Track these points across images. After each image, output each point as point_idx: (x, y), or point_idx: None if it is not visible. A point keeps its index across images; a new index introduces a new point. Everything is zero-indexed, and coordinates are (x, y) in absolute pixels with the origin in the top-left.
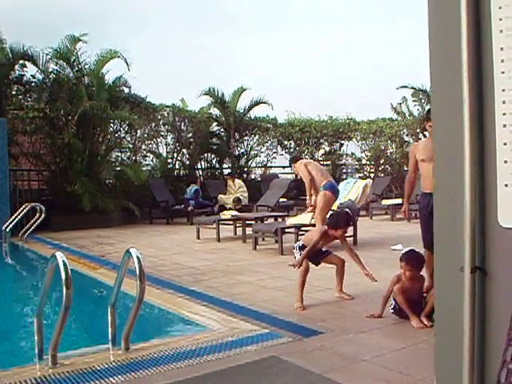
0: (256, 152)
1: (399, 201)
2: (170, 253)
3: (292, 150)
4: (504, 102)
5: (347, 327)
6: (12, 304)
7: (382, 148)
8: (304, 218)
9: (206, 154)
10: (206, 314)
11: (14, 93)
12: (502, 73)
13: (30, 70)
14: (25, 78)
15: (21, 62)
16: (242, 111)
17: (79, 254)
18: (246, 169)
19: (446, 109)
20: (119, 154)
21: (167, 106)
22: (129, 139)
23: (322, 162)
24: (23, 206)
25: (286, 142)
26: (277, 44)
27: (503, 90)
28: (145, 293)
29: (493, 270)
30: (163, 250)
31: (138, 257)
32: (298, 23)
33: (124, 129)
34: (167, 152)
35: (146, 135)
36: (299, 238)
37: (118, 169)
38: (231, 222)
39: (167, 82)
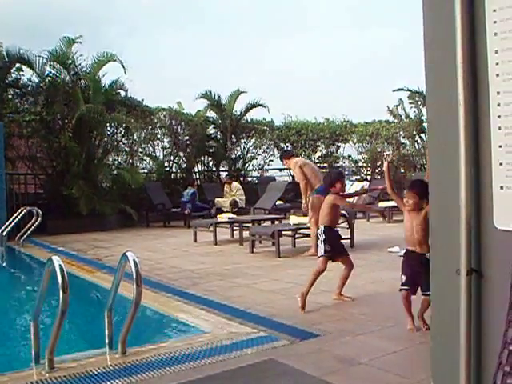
0: (253, 155)
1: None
2: (167, 256)
3: None
4: (499, 105)
5: (344, 330)
6: (8, 308)
7: (379, 150)
8: (306, 219)
9: (202, 157)
10: (203, 318)
11: (10, 96)
12: (497, 75)
13: (27, 74)
14: (21, 82)
15: (17, 65)
16: (238, 114)
17: (76, 258)
18: (242, 172)
19: (442, 112)
20: (116, 158)
21: (164, 109)
22: (125, 142)
23: (318, 165)
24: (20, 210)
25: (282, 145)
26: (274, 47)
27: (498, 93)
28: (142, 296)
29: (488, 272)
30: (160, 253)
31: (134, 260)
32: (296, 26)
33: (120, 132)
34: (164, 155)
35: (142, 138)
36: (296, 241)
37: (115, 172)
38: (228, 225)
39: (164, 85)
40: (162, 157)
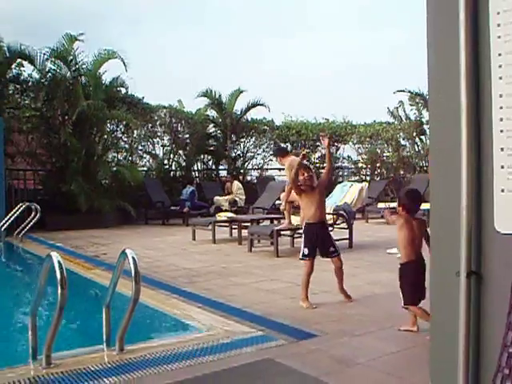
0: (252, 154)
1: (395, 204)
2: (166, 254)
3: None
4: (501, 108)
5: (342, 330)
6: (6, 303)
7: (378, 151)
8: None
9: (202, 156)
10: (200, 316)
11: (10, 92)
12: (500, 78)
13: (27, 69)
14: (22, 77)
15: (18, 60)
16: (238, 113)
17: (74, 255)
18: (242, 170)
19: (444, 114)
20: (115, 155)
21: (164, 107)
22: (125, 140)
23: (318, 165)
24: (19, 206)
25: (282, 145)
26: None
27: (501, 96)
28: (140, 294)
29: (488, 274)
30: (158, 250)
31: (133, 257)
32: (297, 26)
33: (120, 129)
34: (163, 153)
35: (142, 136)
36: (295, 241)
37: (115, 169)
38: (227, 224)
39: (164, 82)
40: (161, 155)
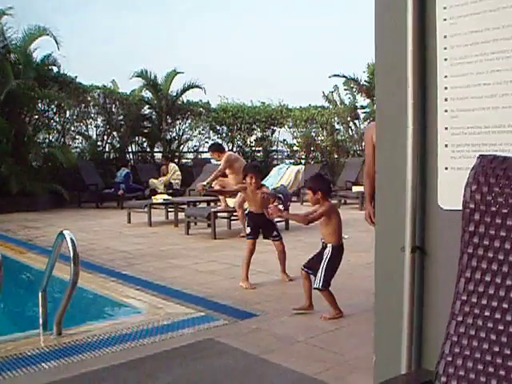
0: (188, 136)
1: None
2: (101, 237)
3: (224, 135)
4: (446, 88)
5: (282, 309)
6: None
7: (313, 135)
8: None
9: (137, 138)
10: (139, 298)
11: None
12: (445, 60)
13: None
14: None
15: None
16: (174, 95)
17: (5, 238)
18: (177, 153)
19: (390, 94)
20: (47, 136)
21: (98, 88)
22: (57, 120)
23: (253, 148)
24: None
25: (218, 127)
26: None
27: (446, 77)
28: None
29: (432, 249)
30: (93, 234)
31: (72, 239)
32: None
33: (52, 109)
34: (97, 134)
35: (75, 116)
36: (231, 223)
37: (46, 151)
38: (163, 207)
39: (98, 62)
40: (95, 136)
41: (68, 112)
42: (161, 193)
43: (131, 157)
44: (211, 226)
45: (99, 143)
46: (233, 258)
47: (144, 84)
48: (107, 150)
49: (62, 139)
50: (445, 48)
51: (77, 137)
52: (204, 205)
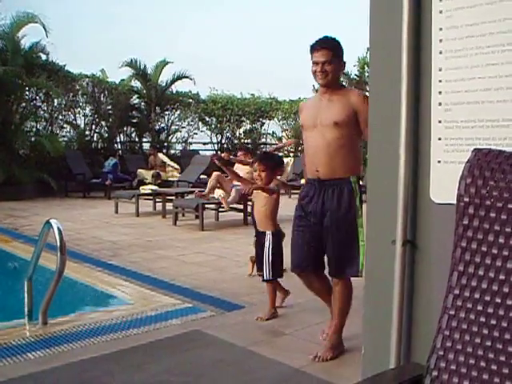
0: (177, 127)
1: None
2: (88, 227)
3: (213, 126)
4: (440, 81)
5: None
6: None
7: None
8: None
9: (125, 128)
10: (126, 289)
11: None
12: (440, 53)
13: None
14: None
15: None
16: (164, 85)
17: None
18: (166, 144)
19: (384, 86)
20: (34, 124)
21: (87, 76)
22: (45, 109)
23: (242, 140)
24: None
25: (207, 119)
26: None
27: (440, 70)
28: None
29: (423, 243)
30: (80, 223)
31: (58, 228)
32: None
33: (40, 98)
34: (85, 123)
35: (63, 105)
36: (219, 214)
37: (33, 139)
38: (151, 197)
39: (87, 51)
40: (83, 125)
41: (56, 100)
42: (149, 183)
43: (119, 147)
44: (199, 218)
45: (87, 132)
46: (220, 249)
47: (133, 74)
48: (95, 139)
49: (50, 128)
50: (440, 40)
51: (65, 126)
52: (192, 196)
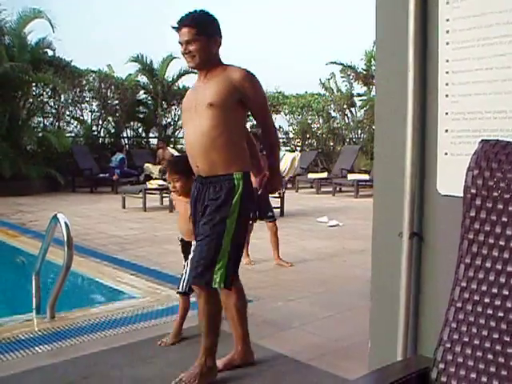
0: None
1: (325, 175)
2: (95, 222)
3: None
4: (447, 73)
5: (276, 296)
6: None
7: (309, 122)
8: None
9: (132, 123)
10: (134, 283)
11: None
12: (447, 44)
13: None
14: None
15: None
16: (170, 80)
17: None
18: (172, 139)
19: (390, 78)
20: (42, 120)
21: (93, 72)
22: (52, 104)
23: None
24: None
25: None
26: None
27: (447, 61)
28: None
29: (430, 236)
30: (87, 218)
31: (66, 223)
32: None
33: (47, 93)
34: (92, 119)
35: (70, 101)
36: None
37: (41, 135)
38: (158, 192)
39: (94, 46)
40: (90, 121)
41: (63, 96)
42: (156, 178)
43: (126, 142)
44: None
45: (94, 128)
46: None
47: (140, 69)
48: (102, 134)
49: (57, 123)
50: (447, 31)
51: (71, 121)
52: None
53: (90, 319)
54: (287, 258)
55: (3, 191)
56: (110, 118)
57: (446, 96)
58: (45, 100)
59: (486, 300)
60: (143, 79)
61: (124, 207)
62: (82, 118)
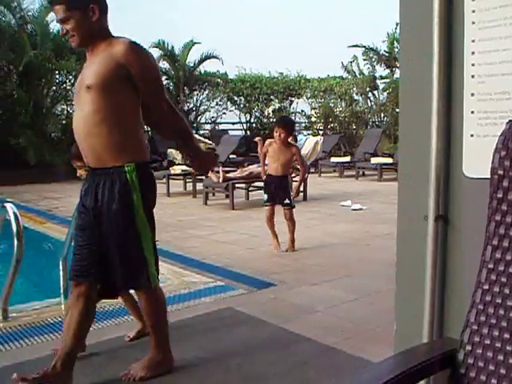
0: (206, 107)
1: (348, 158)
2: None
3: (242, 106)
4: (473, 53)
5: (300, 280)
6: None
7: (332, 106)
8: None
9: None
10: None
11: None
12: (473, 23)
13: None
14: None
15: None
16: (191, 65)
17: (25, 209)
18: (195, 124)
19: (414, 59)
20: (65, 107)
21: None
22: None
23: (271, 119)
24: None
25: (236, 98)
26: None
27: (473, 41)
28: None
29: (456, 218)
30: None
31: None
32: None
33: (70, 81)
34: None
35: None
36: (250, 194)
37: (64, 122)
38: (181, 177)
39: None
40: None
41: None
42: (179, 164)
43: (148, 128)
44: (229, 197)
45: None
46: (251, 228)
47: (161, 55)
48: None
49: None
50: (473, 11)
51: None
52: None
53: (116, 303)
54: (310, 242)
55: (28, 178)
56: None
57: (472, 77)
58: (68, 88)
59: None
60: (165, 65)
61: None
62: None
